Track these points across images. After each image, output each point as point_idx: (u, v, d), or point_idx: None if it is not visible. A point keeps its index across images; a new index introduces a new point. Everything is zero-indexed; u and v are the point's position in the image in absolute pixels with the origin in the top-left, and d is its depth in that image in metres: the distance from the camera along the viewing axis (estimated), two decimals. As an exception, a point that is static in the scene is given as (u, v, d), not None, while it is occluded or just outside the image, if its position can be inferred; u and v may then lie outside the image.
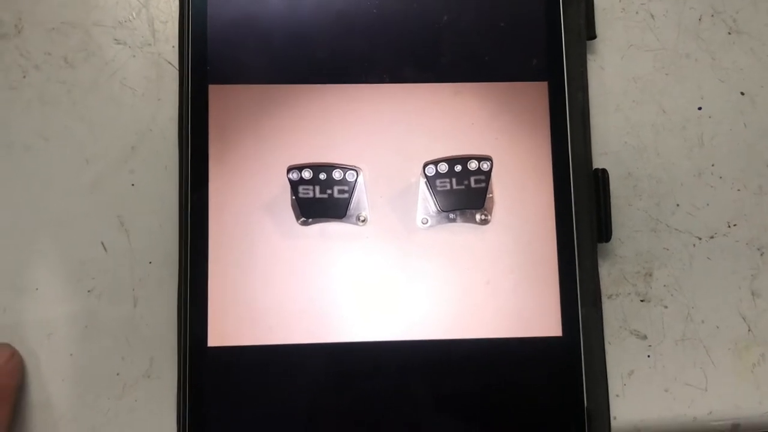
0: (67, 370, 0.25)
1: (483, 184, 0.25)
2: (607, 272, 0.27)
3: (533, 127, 0.26)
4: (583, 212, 0.26)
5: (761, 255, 0.27)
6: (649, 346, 0.27)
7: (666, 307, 0.27)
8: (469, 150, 0.26)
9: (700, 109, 0.28)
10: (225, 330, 0.24)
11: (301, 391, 0.25)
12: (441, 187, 0.25)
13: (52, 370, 0.25)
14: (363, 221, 0.25)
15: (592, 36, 0.28)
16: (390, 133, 0.26)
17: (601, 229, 0.26)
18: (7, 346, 0.25)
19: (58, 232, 0.26)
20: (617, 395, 0.26)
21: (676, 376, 0.27)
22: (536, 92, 0.26)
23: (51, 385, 0.25)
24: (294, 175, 0.25)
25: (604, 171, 0.27)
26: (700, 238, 0.27)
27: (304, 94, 0.26)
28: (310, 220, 0.25)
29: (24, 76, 0.27)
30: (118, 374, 0.26)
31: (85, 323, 0.26)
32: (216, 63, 0.26)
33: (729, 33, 0.28)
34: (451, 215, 0.26)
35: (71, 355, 0.25)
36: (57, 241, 0.26)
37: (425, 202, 0.26)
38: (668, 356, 0.27)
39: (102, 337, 0.26)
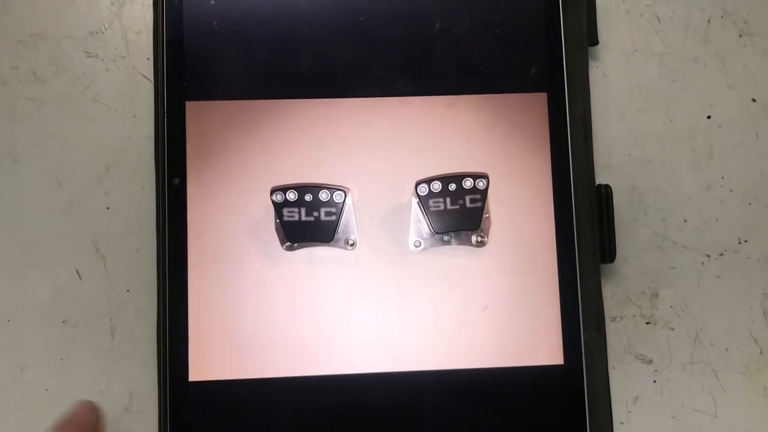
0: (42, 406, 0.24)
1: (479, 204, 0.24)
2: (610, 293, 0.26)
3: (532, 141, 0.25)
4: (585, 231, 0.25)
5: (773, 272, 0.26)
6: (655, 370, 0.25)
7: (673, 329, 0.26)
8: (464, 167, 0.24)
9: (709, 117, 0.26)
10: (207, 363, 0.23)
11: (288, 428, 0.23)
12: (434, 207, 0.24)
13: (27, 406, 0.24)
14: (352, 245, 0.24)
15: (594, 42, 0.26)
16: (379, 151, 0.24)
17: (605, 249, 0.25)
18: (89, 403, 0.23)
19: (29, 259, 0.25)
20: (621, 422, 0.25)
21: (684, 401, 0.25)
22: (535, 104, 0.25)
23: (25, 422, 0.24)
24: (278, 197, 0.23)
25: (607, 187, 0.25)
26: (708, 256, 0.26)
27: (288, 109, 0.24)
28: (296, 244, 0.24)
29: (-10, 93, 0.25)
30: (96, 409, 0.24)
31: (61, 355, 0.24)
32: (193, 77, 0.24)
33: (740, 35, 0.27)
34: (446, 237, 0.24)
35: (46, 389, 0.24)
36: (29, 269, 0.25)
37: (418, 224, 0.24)
38: (675, 381, 0.25)
39: (79, 370, 0.24)
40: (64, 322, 0.25)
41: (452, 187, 0.24)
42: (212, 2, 0.24)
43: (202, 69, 0.24)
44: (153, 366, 0.24)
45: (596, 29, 0.26)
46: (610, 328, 0.25)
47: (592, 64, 0.26)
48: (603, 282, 0.25)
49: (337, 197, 0.23)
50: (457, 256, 0.24)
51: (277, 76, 0.24)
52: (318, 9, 0.25)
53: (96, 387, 0.24)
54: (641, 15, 0.27)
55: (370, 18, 0.25)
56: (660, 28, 0.27)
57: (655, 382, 0.25)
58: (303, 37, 0.25)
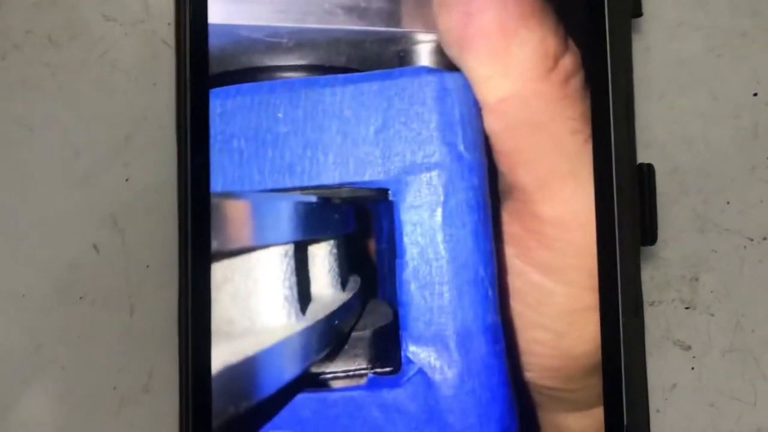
0: (58, 385, 0.24)
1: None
2: (649, 276, 0.25)
3: (572, 116, 0.24)
4: (626, 212, 0.24)
5: (817, 257, 0.25)
6: (694, 357, 0.25)
7: (713, 315, 0.25)
8: (500, 143, 0.23)
9: (755, 95, 0.25)
10: (231, 344, 0.22)
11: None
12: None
13: (42, 385, 0.24)
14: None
15: (638, 13, 0.25)
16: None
17: (646, 230, 0.24)
18: None
19: (45, 233, 0.24)
20: (658, 410, 0.25)
21: (723, 389, 0.25)
22: (575, 77, 0.24)
23: (41, 401, 0.24)
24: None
25: (649, 166, 0.24)
26: (751, 240, 0.25)
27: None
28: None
29: (3, 58, 0.24)
30: (114, 388, 0.24)
31: (78, 333, 0.24)
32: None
33: (789, 9, 0.26)
34: (480, 216, 0.23)
35: (63, 368, 0.24)
36: (44, 243, 0.24)
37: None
38: (714, 368, 0.25)
39: (96, 348, 0.24)
40: (81, 298, 0.24)
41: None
42: (238, -36, 0.23)
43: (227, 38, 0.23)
44: (173, 345, 0.23)
45: (640, 0, 0.25)
46: (648, 313, 0.25)
47: (634, 37, 0.25)
48: (642, 265, 0.24)
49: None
50: (491, 236, 0.23)
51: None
52: None
53: (114, 366, 0.24)
54: (686, -14, 0.26)
55: None
56: (705, 1, 0.26)
57: (693, 369, 0.25)
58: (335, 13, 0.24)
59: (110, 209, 0.24)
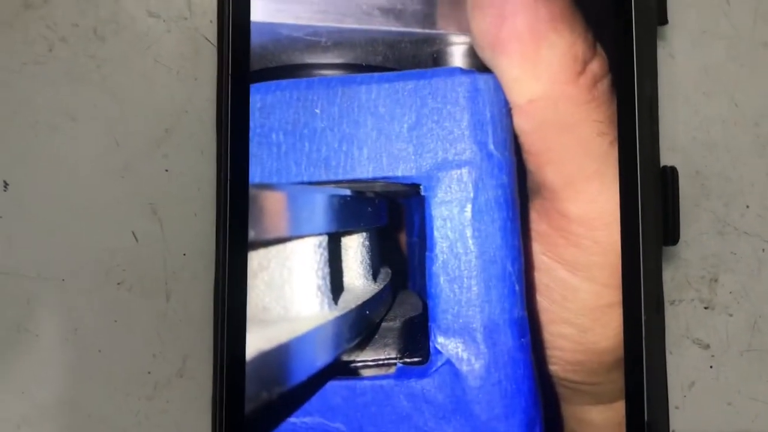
0: (95, 368, 0.24)
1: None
2: (670, 276, 0.26)
3: (598, 119, 0.24)
4: (649, 212, 0.24)
5: (833, 261, 0.26)
6: (712, 356, 0.25)
7: (731, 315, 0.25)
8: (529, 142, 0.24)
9: (775, 103, 0.26)
10: (266, 331, 0.23)
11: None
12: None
13: (80, 367, 0.24)
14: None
15: (664, 21, 0.26)
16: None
17: (668, 231, 0.25)
18: None
19: (85, 220, 0.24)
20: (677, 407, 0.25)
21: (740, 388, 0.25)
22: (603, 81, 0.25)
23: (78, 383, 0.24)
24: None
25: (673, 169, 0.25)
26: (770, 243, 0.26)
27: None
28: (358, 214, 0.24)
29: (50, 50, 0.25)
30: (149, 373, 0.24)
31: (115, 317, 0.24)
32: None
33: (809, 21, 0.26)
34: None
35: (99, 351, 0.24)
36: (85, 229, 0.24)
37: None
38: (732, 367, 0.25)
39: (132, 333, 0.24)
40: (119, 284, 0.24)
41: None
42: (281, -34, 0.24)
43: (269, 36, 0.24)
44: (208, 332, 0.24)
45: (666, 8, 0.26)
46: (669, 312, 0.25)
47: (659, 44, 0.26)
48: (663, 265, 0.25)
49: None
50: (519, 232, 0.24)
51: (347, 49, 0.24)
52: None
53: (149, 350, 0.24)
54: (711, -4, 0.26)
55: None
56: (729, 11, 0.26)
57: (711, 367, 0.25)
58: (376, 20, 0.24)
59: (149, 199, 0.25)
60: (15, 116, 0.25)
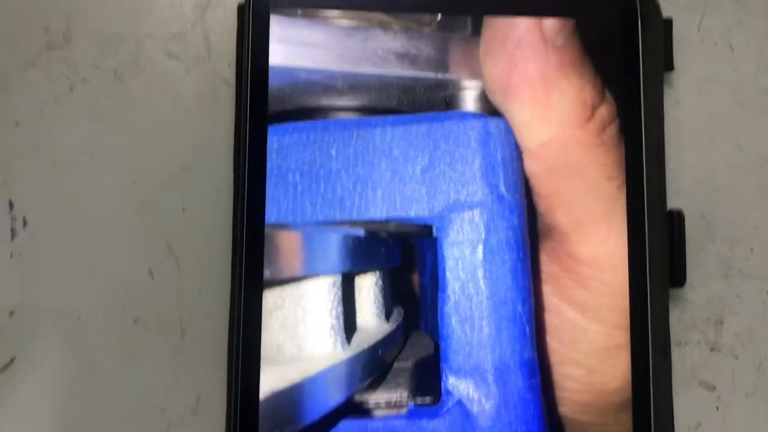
0: (109, 404, 0.24)
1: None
2: (676, 318, 0.26)
3: (607, 163, 0.25)
4: (656, 255, 0.25)
5: (836, 304, 0.26)
6: (718, 398, 0.26)
7: (737, 357, 0.26)
8: (539, 186, 0.25)
9: (779, 148, 0.27)
10: (280, 370, 0.23)
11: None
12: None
13: (94, 404, 0.24)
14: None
15: (670, 67, 0.26)
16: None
17: (675, 273, 0.25)
18: None
19: (103, 256, 0.25)
20: (683, 448, 0.25)
21: (746, 430, 0.25)
22: (611, 127, 0.25)
23: (92, 420, 0.24)
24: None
25: (680, 213, 0.25)
26: (774, 286, 0.26)
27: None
28: (373, 253, 0.24)
29: (71, 90, 0.25)
30: (162, 410, 0.24)
31: (130, 354, 0.24)
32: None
33: (811, 69, 0.27)
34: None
35: (114, 388, 0.24)
36: (101, 266, 0.25)
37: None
38: (738, 409, 0.26)
39: (147, 370, 0.24)
40: (134, 320, 0.25)
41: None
42: (299, 13, 0.25)
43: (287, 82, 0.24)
44: (222, 370, 0.24)
45: (672, 54, 0.26)
46: (675, 353, 0.26)
47: (665, 89, 0.26)
48: (669, 307, 0.25)
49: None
50: (529, 273, 0.24)
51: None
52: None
53: (163, 388, 0.24)
54: (715, 44, 0.27)
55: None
56: (733, 58, 0.27)
57: (717, 409, 0.26)
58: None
59: (166, 236, 0.25)
60: (35, 154, 0.25)
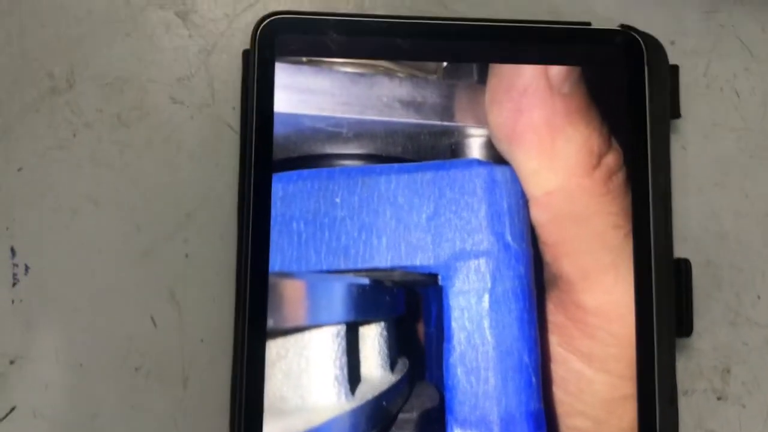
0: (110, 455, 0.24)
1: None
2: (682, 367, 0.26)
3: (613, 211, 0.25)
4: (663, 304, 0.25)
5: (844, 352, 0.26)
6: (726, 448, 0.25)
7: (744, 406, 0.26)
8: (545, 234, 0.25)
9: (785, 195, 0.27)
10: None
11: None
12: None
13: (95, 454, 0.24)
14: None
15: (677, 115, 0.26)
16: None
17: (682, 323, 0.25)
18: None
19: (105, 304, 0.25)
20: (690, 499, 0.25)
21: (754, 481, 0.25)
22: (617, 175, 0.25)
23: (93, 471, 0.24)
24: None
25: (686, 262, 0.25)
26: (781, 334, 0.26)
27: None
28: (377, 304, 0.24)
29: (74, 135, 0.25)
30: (165, 461, 0.24)
31: (132, 404, 0.24)
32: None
33: (817, 115, 0.27)
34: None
35: (116, 438, 0.24)
36: (103, 313, 0.24)
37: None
38: (746, 460, 0.25)
39: (149, 420, 0.24)
40: (136, 369, 0.24)
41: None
42: (304, 60, 0.25)
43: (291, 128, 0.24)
44: (225, 420, 0.24)
45: (678, 102, 0.26)
46: (682, 403, 0.25)
47: (671, 136, 0.26)
48: (676, 355, 0.25)
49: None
50: (535, 323, 0.24)
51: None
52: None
53: (165, 437, 0.24)
54: (721, 90, 0.27)
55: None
56: (739, 104, 0.27)
57: (725, 459, 0.25)
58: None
59: (168, 283, 0.25)
60: (38, 200, 0.25)
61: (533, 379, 0.24)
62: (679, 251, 0.26)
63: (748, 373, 0.26)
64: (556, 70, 0.25)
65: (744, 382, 0.26)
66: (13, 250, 0.25)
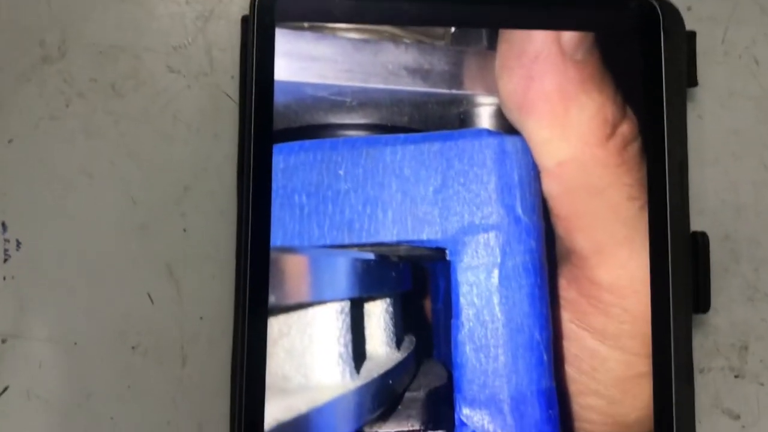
0: (107, 436, 0.23)
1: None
2: (698, 344, 0.25)
3: (627, 183, 0.24)
4: (679, 279, 0.24)
5: None
6: (743, 426, 0.25)
7: (762, 384, 0.25)
8: (558, 207, 0.24)
9: (806, 166, 0.26)
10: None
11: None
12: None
13: (91, 436, 0.24)
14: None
15: (694, 83, 0.25)
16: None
17: (699, 299, 0.24)
18: None
19: (100, 280, 0.24)
20: (707, 480, 0.24)
21: (772, 461, 0.25)
22: (632, 145, 0.24)
23: (89, 452, 0.23)
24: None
25: (704, 235, 0.24)
26: (801, 310, 0.25)
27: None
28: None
29: (67, 105, 0.24)
30: (163, 441, 0.24)
31: (129, 383, 0.24)
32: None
33: (838, 83, 0.26)
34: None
35: (112, 418, 0.23)
36: (99, 290, 0.24)
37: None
38: (763, 439, 0.25)
39: (146, 399, 0.24)
40: (133, 348, 0.24)
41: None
42: (306, 26, 0.24)
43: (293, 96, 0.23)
44: (225, 400, 0.23)
45: (696, 71, 0.25)
46: (698, 381, 0.25)
47: (688, 105, 0.25)
48: (692, 332, 0.25)
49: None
50: (547, 299, 0.23)
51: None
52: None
53: (164, 418, 0.24)
54: (739, 57, 0.26)
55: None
56: (758, 72, 0.26)
57: (742, 439, 0.25)
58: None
59: (166, 259, 0.24)
60: (30, 173, 0.24)
61: (544, 357, 0.23)
62: (695, 225, 0.25)
63: (766, 350, 0.25)
64: (569, 36, 0.24)
65: (762, 360, 0.25)
66: (4, 225, 0.24)
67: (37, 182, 0.24)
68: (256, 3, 0.24)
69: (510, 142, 0.24)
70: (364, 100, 0.24)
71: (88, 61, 0.25)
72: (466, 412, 0.23)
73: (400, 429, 0.23)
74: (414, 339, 0.24)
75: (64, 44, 0.25)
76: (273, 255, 0.23)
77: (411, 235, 0.23)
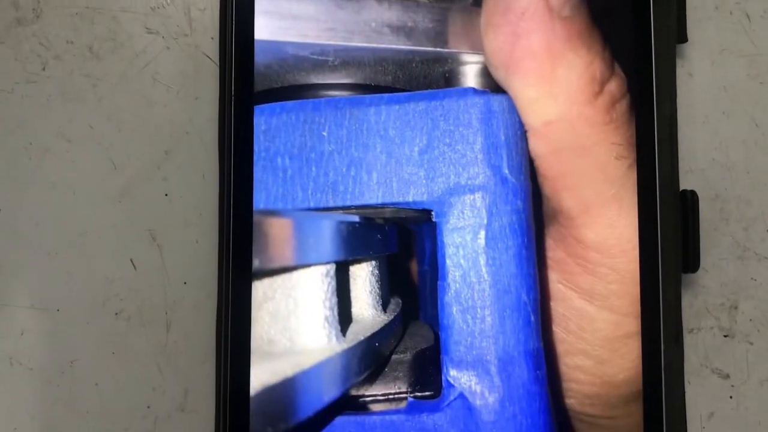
0: (92, 402, 0.23)
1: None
2: (688, 304, 0.25)
3: (616, 141, 0.24)
4: (668, 239, 0.24)
5: None
6: (732, 386, 0.25)
7: (751, 343, 0.25)
8: (544, 167, 0.23)
9: (797, 123, 0.25)
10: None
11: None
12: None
13: (76, 402, 0.23)
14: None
15: (683, 39, 0.25)
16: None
17: (688, 258, 0.24)
18: None
19: (82, 246, 0.24)
20: (695, 439, 0.24)
21: (761, 419, 0.25)
22: (620, 102, 0.24)
23: (74, 418, 0.23)
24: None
25: (693, 193, 0.24)
26: (791, 269, 0.25)
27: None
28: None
29: (43, 68, 0.24)
30: (148, 407, 0.23)
31: (113, 349, 0.23)
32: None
33: (831, 38, 0.26)
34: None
35: (96, 384, 0.23)
36: (81, 257, 0.23)
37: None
38: (753, 398, 0.25)
39: (131, 365, 0.23)
40: (116, 314, 0.23)
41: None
42: (286, -19, 0.23)
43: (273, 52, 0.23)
44: (210, 364, 0.23)
45: (685, 26, 0.25)
46: (687, 341, 0.25)
47: (677, 62, 0.25)
48: (681, 292, 0.24)
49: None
50: (534, 260, 0.23)
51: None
52: None
53: (149, 384, 0.23)
54: (730, 13, 0.26)
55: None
56: (750, 27, 0.26)
57: (731, 397, 0.25)
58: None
59: (148, 224, 0.24)
60: (7, 138, 0.24)
61: (532, 318, 0.23)
62: (685, 184, 0.25)
63: (755, 309, 0.25)
64: (556, -8, 0.23)
65: (752, 319, 0.25)
66: (-18, 192, 0.24)
67: (15, 147, 0.24)
68: (235, -40, 0.23)
69: (496, 101, 0.23)
70: (347, 59, 0.23)
71: (64, 22, 0.24)
72: (453, 374, 0.23)
73: (387, 391, 0.23)
74: (400, 301, 0.24)
75: (39, 6, 0.24)
76: (256, 218, 0.23)
77: (396, 197, 0.23)
